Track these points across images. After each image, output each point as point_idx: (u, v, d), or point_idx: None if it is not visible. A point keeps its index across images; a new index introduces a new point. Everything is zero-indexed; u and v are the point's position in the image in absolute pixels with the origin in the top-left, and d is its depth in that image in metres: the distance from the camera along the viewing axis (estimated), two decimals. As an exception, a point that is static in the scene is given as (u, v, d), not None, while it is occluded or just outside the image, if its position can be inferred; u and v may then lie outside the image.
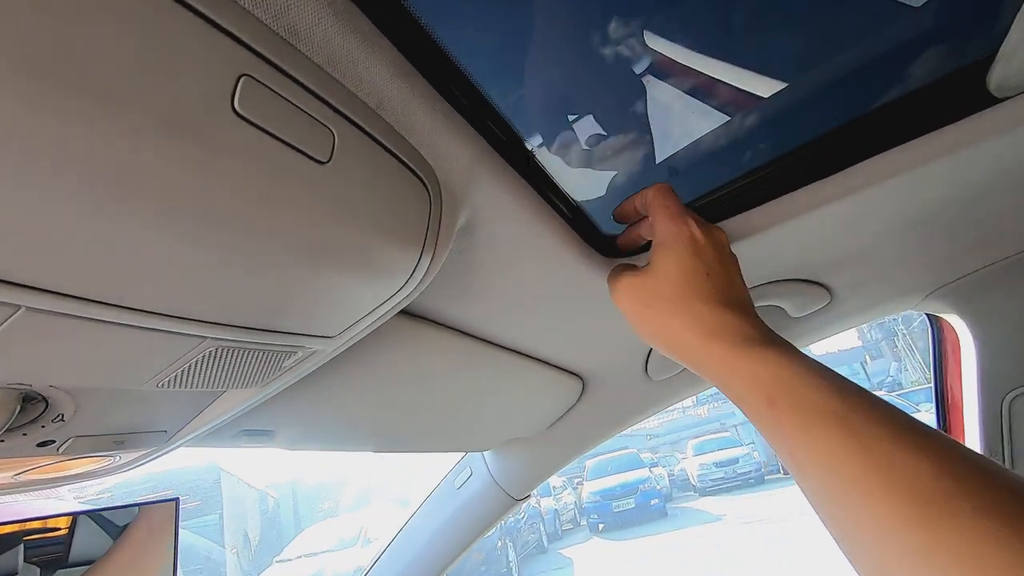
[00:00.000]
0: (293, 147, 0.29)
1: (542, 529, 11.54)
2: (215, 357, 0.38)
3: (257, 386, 0.46)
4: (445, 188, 0.43)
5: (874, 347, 22.01)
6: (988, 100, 0.56)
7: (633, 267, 0.54)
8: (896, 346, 20.79)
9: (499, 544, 9.00)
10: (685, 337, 0.46)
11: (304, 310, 0.39)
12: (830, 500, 0.34)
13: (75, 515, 0.75)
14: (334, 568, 8.81)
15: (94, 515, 0.77)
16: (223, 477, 14.56)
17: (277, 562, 10.04)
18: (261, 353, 0.41)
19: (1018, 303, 0.81)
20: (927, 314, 0.90)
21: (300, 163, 0.29)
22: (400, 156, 0.37)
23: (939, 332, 0.92)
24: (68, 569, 0.75)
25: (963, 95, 0.57)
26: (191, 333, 0.34)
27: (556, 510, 13.23)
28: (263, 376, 0.44)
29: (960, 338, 0.86)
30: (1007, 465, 0.83)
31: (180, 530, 0.68)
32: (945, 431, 0.94)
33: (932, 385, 0.93)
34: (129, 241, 0.26)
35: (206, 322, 0.34)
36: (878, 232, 0.73)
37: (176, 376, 0.38)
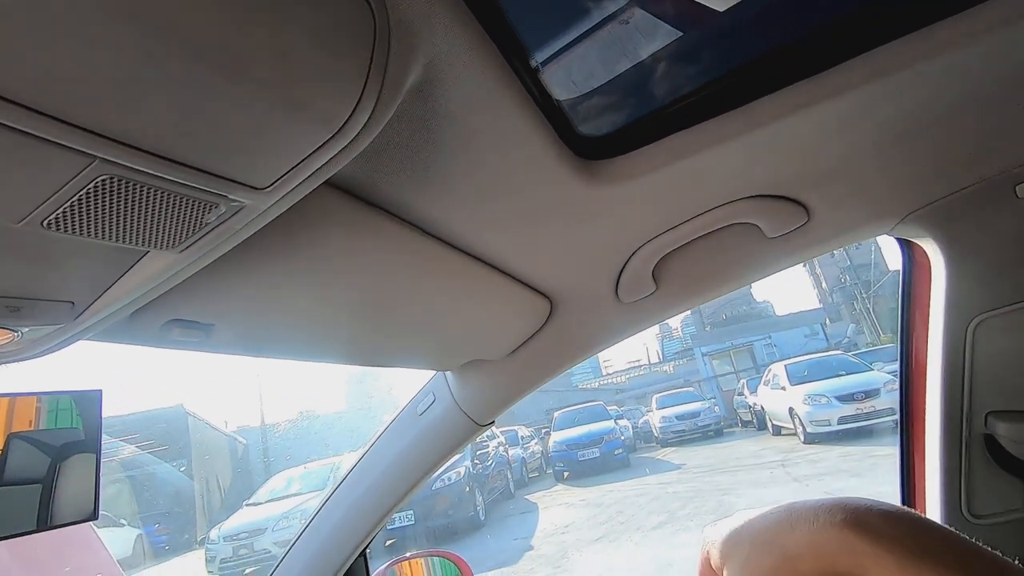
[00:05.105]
0: None
1: (509, 476, 11.89)
2: (112, 190, 0.32)
3: (177, 248, 0.40)
4: (394, 21, 0.37)
5: (834, 310, 22.95)
6: None
7: None
8: (855, 309, 21.71)
9: (467, 489, 9.26)
10: None
11: (221, 143, 0.33)
12: None
13: (8, 436, 0.72)
14: (302, 509, 8.98)
15: (29, 436, 0.74)
16: (191, 422, 14.50)
17: (247, 505, 10.17)
18: (174, 198, 0.35)
19: (993, 227, 0.80)
20: (899, 239, 0.89)
21: None
22: None
23: (910, 258, 0.91)
24: (1, 488, 0.72)
25: None
26: (75, 147, 0.28)
27: (523, 458, 13.61)
28: (182, 233, 0.38)
29: (932, 264, 0.86)
30: (965, 387, 0.84)
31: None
32: (908, 356, 0.95)
33: (899, 310, 0.93)
34: None
35: (93, 133, 0.28)
36: (856, 144, 0.69)
37: (64, 212, 0.32)
